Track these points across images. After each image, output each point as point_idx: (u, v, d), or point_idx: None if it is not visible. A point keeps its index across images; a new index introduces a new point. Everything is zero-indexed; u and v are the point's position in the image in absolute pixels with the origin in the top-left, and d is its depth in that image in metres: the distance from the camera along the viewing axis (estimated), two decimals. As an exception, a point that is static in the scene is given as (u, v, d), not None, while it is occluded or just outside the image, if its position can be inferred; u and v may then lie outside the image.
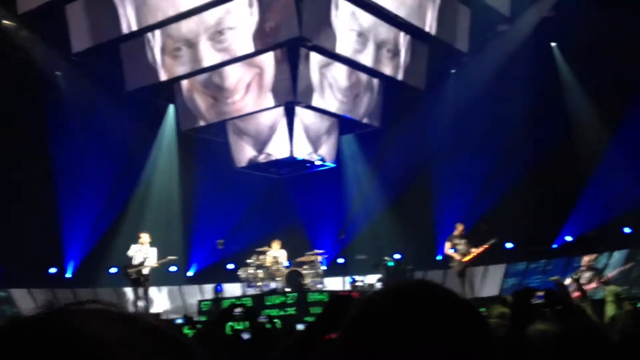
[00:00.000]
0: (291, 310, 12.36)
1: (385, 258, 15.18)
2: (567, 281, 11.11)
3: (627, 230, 14.04)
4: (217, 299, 14.33)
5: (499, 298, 9.50)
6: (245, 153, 15.57)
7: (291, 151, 14.65)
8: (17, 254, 13.89)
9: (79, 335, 0.58)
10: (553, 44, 15.37)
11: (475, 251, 13.22)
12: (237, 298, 13.64)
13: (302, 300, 12.65)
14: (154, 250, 13.07)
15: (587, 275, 11.24)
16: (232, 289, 15.21)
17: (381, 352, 1.06)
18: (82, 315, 0.62)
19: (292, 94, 13.56)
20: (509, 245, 15.10)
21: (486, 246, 13.22)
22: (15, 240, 13.81)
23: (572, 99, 14.55)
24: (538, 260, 15.15)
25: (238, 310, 3.84)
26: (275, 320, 8.27)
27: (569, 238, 14.97)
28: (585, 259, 11.60)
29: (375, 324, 1.08)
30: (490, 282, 15.13)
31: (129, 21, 13.53)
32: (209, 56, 13.73)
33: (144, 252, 12.94)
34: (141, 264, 12.81)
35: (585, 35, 14.00)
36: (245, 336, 5.09)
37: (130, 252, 12.98)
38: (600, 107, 14.23)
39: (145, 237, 13.12)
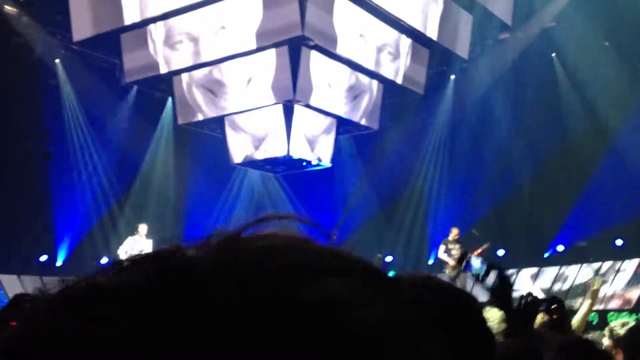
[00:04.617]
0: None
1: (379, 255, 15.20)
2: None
3: (619, 242, 14.09)
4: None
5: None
6: (241, 149, 15.57)
7: (288, 149, 14.66)
8: (8, 239, 13.86)
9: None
10: (553, 55, 15.40)
11: (467, 256, 13.24)
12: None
13: None
14: (150, 242, 12.89)
15: None
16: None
17: None
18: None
19: (291, 92, 13.56)
20: (500, 252, 15.14)
21: (479, 251, 13.25)
22: (6, 226, 13.79)
23: (569, 109, 14.60)
24: (529, 267, 15.19)
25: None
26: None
27: (560, 247, 15.01)
28: None
29: None
30: (481, 288, 15.15)
31: (132, 12, 13.51)
32: (210, 51, 13.72)
33: (140, 245, 12.73)
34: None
35: (584, 46, 14.13)
36: None
37: (124, 246, 12.75)
38: (598, 117, 14.28)
39: (143, 229, 12.84)
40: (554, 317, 2.81)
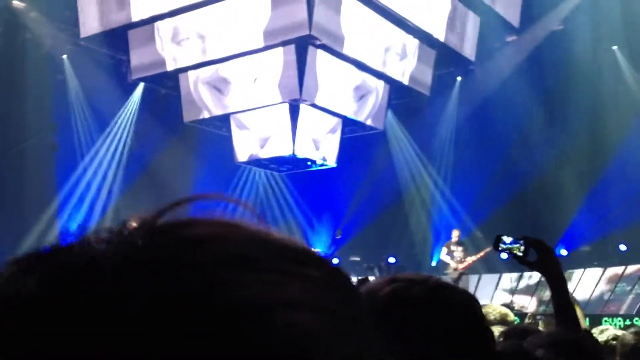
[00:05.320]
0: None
1: (381, 263, 15.19)
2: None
3: (622, 247, 14.06)
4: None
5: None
6: (247, 147, 15.58)
7: (293, 149, 14.66)
8: (12, 234, 13.90)
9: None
10: (560, 57, 15.35)
11: (470, 259, 13.24)
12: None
13: None
14: None
15: None
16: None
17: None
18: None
19: (298, 91, 13.56)
20: (504, 255, 15.09)
21: (482, 254, 13.24)
22: (10, 221, 13.83)
23: (575, 113, 14.56)
24: (532, 271, 15.17)
25: None
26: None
27: (564, 252, 14.99)
28: None
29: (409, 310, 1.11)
30: (483, 291, 15.14)
31: (139, 8, 13.54)
32: (217, 48, 13.74)
33: None
34: None
35: (592, 50, 14.11)
36: None
37: None
38: (603, 121, 14.26)
39: None
40: None
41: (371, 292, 1.15)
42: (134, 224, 0.44)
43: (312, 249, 0.46)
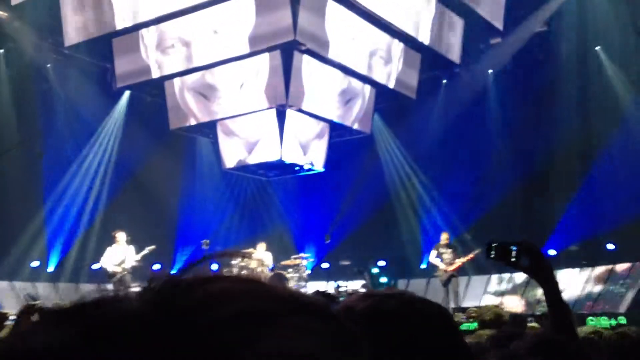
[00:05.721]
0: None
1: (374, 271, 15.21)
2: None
3: (610, 246, 14.14)
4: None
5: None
6: (234, 154, 15.55)
7: (281, 154, 14.66)
8: (1, 244, 13.81)
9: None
10: (544, 59, 15.47)
11: (459, 261, 13.26)
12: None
13: None
14: (131, 248, 12.66)
15: None
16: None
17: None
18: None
19: (284, 96, 13.56)
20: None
21: (471, 256, 13.27)
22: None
23: (561, 114, 14.65)
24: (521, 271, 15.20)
25: None
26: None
27: (552, 252, 15.06)
28: None
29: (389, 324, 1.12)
30: (473, 293, 15.20)
31: (123, 17, 13.48)
32: (202, 55, 13.71)
33: (121, 253, 12.39)
34: (122, 262, 12.40)
35: (575, 51, 14.22)
36: None
37: (105, 257, 12.42)
38: (590, 122, 14.36)
39: (121, 237, 12.40)
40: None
41: (348, 308, 1.17)
42: (161, 279, 0.47)
43: (321, 302, 0.51)
